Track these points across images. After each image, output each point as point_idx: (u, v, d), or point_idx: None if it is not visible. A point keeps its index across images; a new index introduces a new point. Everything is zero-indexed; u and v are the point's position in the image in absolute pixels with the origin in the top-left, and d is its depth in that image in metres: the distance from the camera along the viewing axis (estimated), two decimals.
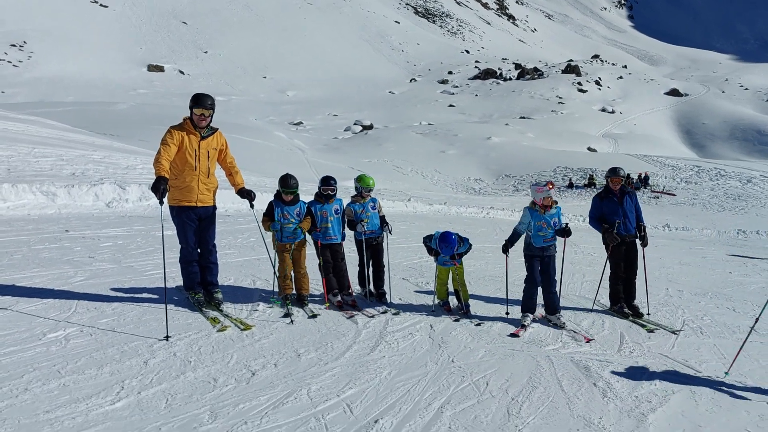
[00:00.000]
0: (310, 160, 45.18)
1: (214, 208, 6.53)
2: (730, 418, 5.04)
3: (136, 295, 6.70)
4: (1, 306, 5.85)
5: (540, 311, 7.57)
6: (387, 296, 7.71)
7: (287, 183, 6.81)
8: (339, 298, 7.21)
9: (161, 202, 5.75)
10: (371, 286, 7.71)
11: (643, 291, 8.34)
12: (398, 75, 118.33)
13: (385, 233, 7.60)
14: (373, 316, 6.91)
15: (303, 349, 5.60)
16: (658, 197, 40.81)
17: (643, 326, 7.55)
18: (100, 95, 65.82)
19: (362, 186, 7.55)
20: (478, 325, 7.09)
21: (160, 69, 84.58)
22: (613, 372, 5.82)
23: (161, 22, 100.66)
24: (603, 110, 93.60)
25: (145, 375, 4.62)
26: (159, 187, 5.66)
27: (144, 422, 3.90)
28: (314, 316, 6.68)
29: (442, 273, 7.52)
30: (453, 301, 7.66)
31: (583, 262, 13.04)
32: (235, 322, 6.17)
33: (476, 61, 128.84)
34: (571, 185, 46.26)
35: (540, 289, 7.36)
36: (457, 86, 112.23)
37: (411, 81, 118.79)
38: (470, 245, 7.58)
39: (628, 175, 41.34)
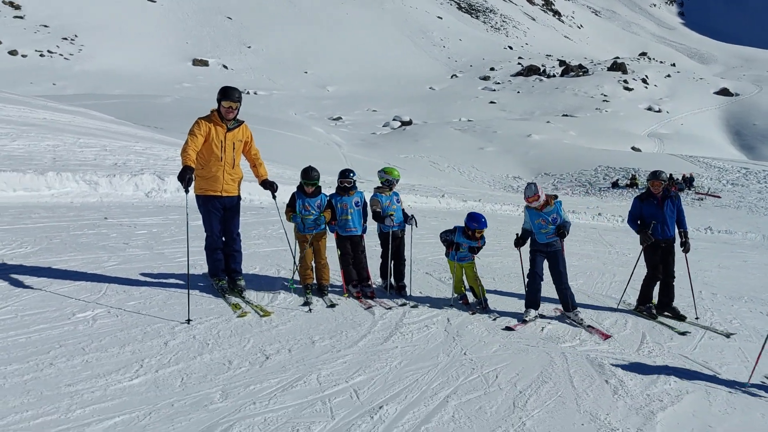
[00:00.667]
0: (347, 155, 45.47)
1: (239, 198, 6.73)
2: (743, 420, 5.00)
3: (164, 281, 6.95)
4: (36, 287, 6.15)
5: (559, 307, 7.58)
6: (407, 289, 7.81)
7: (309, 175, 6.96)
8: (358, 289, 7.33)
9: (186, 191, 5.97)
10: (392, 279, 7.81)
11: (685, 294, 8.32)
12: (439, 71, 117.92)
13: (410, 226, 7.68)
14: (390, 308, 7.02)
15: (318, 337, 5.75)
16: (702, 199, 39.83)
17: (672, 328, 7.48)
18: (146, 88, 67.43)
19: (390, 177, 7.62)
20: (495, 319, 7.15)
21: (205, 63, 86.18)
22: (628, 370, 5.82)
23: (207, 17, 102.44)
24: (649, 109, 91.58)
25: (164, 355, 4.84)
26: (185, 177, 5.88)
27: (158, 398, 4.10)
28: (333, 305, 6.83)
29: (456, 269, 7.58)
30: (471, 296, 7.70)
31: (616, 262, 12.91)
32: (255, 308, 6.36)
33: (519, 58, 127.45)
34: (615, 185, 45.45)
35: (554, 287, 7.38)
36: (498, 83, 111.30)
37: (452, 77, 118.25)
38: (484, 242, 7.60)
39: (671, 175, 40.42)
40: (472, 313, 7.23)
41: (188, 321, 5.66)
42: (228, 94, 6.44)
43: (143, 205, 13.62)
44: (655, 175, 7.97)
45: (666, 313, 8.22)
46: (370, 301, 7.20)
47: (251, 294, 6.85)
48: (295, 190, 7.17)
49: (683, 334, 7.29)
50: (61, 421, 3.62)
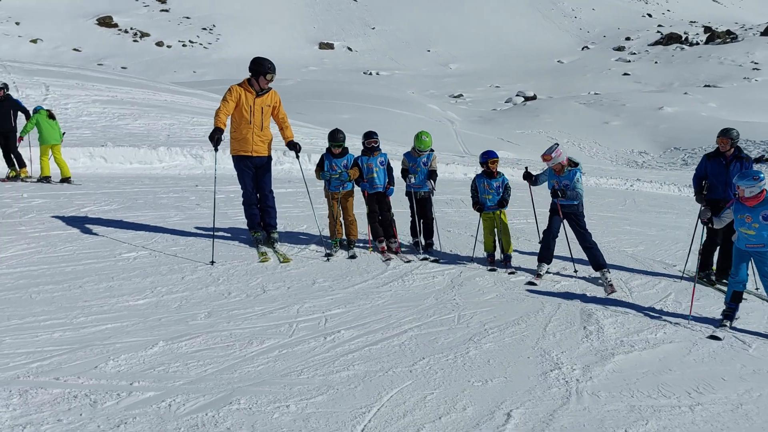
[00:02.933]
0: (459, 131, 45.53)
1: (269, 158, 7.49)
2: (714, 369, 5.00)
3: (212, 233, 7.90)
4: (101, 234, 7.32)
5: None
6: (436, 246, 8.21)
7: (335, 137, 7.57)
8: (384, 244, 7.86)
9: (216, 149, 6.82)
10: (421, 237, 8.25)
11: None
12: (569, 43, 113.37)
13: (433, 187, 8.05)
14: (409, 261, 7.50)
15: (321, 279, 6.39)
16: None
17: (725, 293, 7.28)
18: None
19: (417, 145, 8.03)
20: (512, 273, 7.39)
21: (330, 46, 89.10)
22: (617, 321, 5.92)
23: (333, 1, 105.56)
24: None
25: (176, 285, 5.71)
26: (214, 137, 6.73)
27: (152, 314, 4.94)
28: (353, 257, 7.44)
29: (486, 222, 7.84)
30: (498, 252, 7.93)
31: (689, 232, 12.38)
32: (278, 255, 7.12)
33: (659, 26, 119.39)
34: (759, 160, 41.65)
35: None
36: (634, 53, 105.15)
37: (583, 49, 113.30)
38: (508, 186, 7.74)
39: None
40: (490, 269, 7.51)
41: (212, 262, 6.52)
42: (272, 68, 7.14)
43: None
44: (723, 132, 7.72)
45: (725, 280, 7.96)
46: (392, 254, 7.71)
47: (284, 246, 7.61)
48: (324, 152, 7.80)
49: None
50: (65, 324, 4.54)
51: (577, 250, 7.60)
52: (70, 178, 11.92)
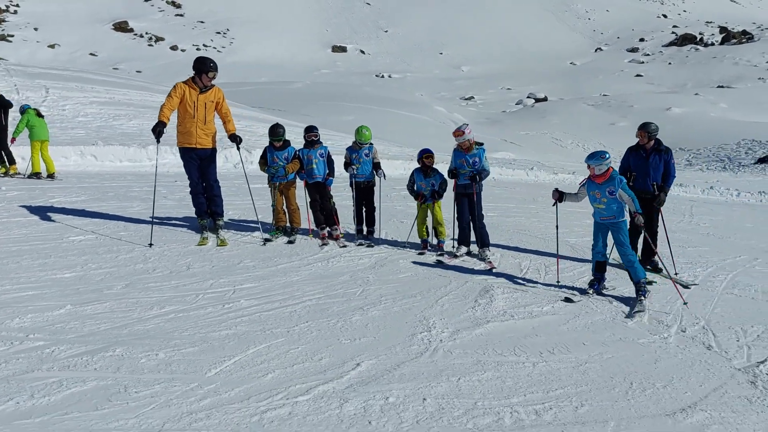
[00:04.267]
0: None
1: (213, 150, 8.09)
2: (583, 336, 5.48)
3: (164, 220, 8.53)
4: (58, 220, 7.97)
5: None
6: (376, 233, 8.76)
7: (275, 132, 8.17)
8: (325, 231, 8.42)
9: (158, 141, 7.45)
10: (364, 225, 8.80)
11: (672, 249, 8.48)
12: (582, 45, 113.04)
13: (378, 178, 8.59)
14: (344, 246, 8.05)
15: (249, 260, 6.98)
16: None
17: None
18: (287, 76, 72.12)
19: (357, 138, 8.58)
20: (441, 255, 7.91)
21: (343, 49, 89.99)
22: (513, 296, 6.40)
23: (346, 4, 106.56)
24: None
25: (106, 263, 6.34)
26: (156, 129, 7.35)
27: (73, 285, 5.56)
28: (291, 242, 8.02)
29: (419, 211, 8.37)
30: (435, 239, 8.45)
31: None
32: (218, 240, 7.71)
33: (674, 27, 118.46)
34: (764, 160, 41.40)
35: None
36: (648, 54, 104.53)
37: (596, 51, 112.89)
38: (445, 180, 8.26)
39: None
40: (419, 253, 8.05)
41: (150, 245, 7.14)
42: (213, 66, 7.77)
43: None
44: (641, 126, 8.19)
45: (648, 266, 8.41)
46: (330, 240, 8.27)
47: (228, 232, 8.21)
48: (267, 145, 8.40)
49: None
50: None
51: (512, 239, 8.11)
52: (54, 174, 12.64)
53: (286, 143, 8.32)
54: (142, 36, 79.44)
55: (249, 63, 77.75)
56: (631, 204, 6.52)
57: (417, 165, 8.52)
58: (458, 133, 7.73)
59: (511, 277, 7.21)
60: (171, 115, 7.71)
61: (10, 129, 12.93)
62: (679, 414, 4.20)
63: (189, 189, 8.22)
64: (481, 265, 7.66)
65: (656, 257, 8.29)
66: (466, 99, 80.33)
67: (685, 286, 7.61)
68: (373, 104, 47.86)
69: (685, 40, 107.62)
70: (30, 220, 7.89)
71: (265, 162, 8.35)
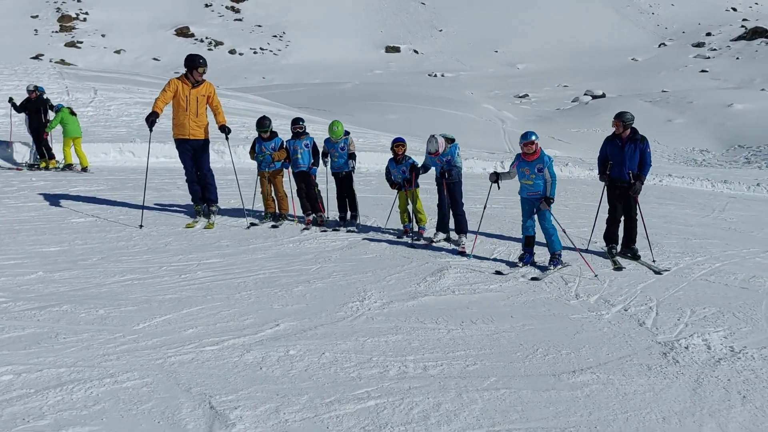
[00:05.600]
0: (508, 130, 45.69)
1: (206, 141, 8.72)
2: (517, 310, 5.78)
3: (158, 205, 9.22)
4: (65, 206, 8.77)
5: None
6: (357, 218, 9.20)
7: (261, 124, 8.76)
8: (310, 217, 8.93)
9: (150, 129, 8.14)
10: (348, 211, 9.26)
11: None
12: (645, 40, 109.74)
13: (352, 167, 9.02)
14: (324, 231, 8.54)
15: (226, 241, 7.56)
16: None
17: (614, 263, 7.90)
18: (340, 77, 73.28)
19: (329, 134, 9.00)
20: (417, 240, 8.28)
21: (396, 50, 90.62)
22: (464, 276, 6.73)
23: (401, 5, 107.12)
24: None
25: (93, 240, 7.04)
26: (149, 119, 8.05)
27: (54, 257, 6.25)
28: (275, 226, 8.57)
29: (400, 198, 8.75)
30: (416, 225, 8.81)
31: (684, 221, 12.67)
32: (206, 224, 8.34)
33: (744, 20, 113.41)
34: None
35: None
36: (714, 49, 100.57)
37: (659, 46, 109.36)
38: (413, 165, 8.56)
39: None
40: (398, 237, 8.44)
41: (140, 226, 7.82)
42: (203, 62, 8.41)
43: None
44: (617, 116, 8.34)
45: (628, 253, 8.55)
46: (313, 225, 8.78)
47: (221, 218, 8.83)
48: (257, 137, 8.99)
49: (618, 269, 7.68)
50: None
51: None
52: (87, 167, 13.65)
53: (273, 134, 8.87)
54: (202, 41, 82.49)
55: (304, 65, 79.39)
56: (549, 185, 7.03)
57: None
58: (435, 153, 8.09)
59: (477, 260, 7.50)
60: (164, 107, 8.35)
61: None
62: (565, 374, 4.48)
63: (185, 177, 8.88)
64: (443, 251, 7.97)
65: (635, 246, 8.40)
66: (520, 97, 79.41)
67: (657, 272, 7.72)
68: (418, 103, 48.19)
69: (755, 33, 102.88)
70: (42, 204, 8.73)
71: (254, 151, 8.93)
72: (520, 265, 7.28)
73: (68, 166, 13.59)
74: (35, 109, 13.85)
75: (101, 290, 5.35)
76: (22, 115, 13.99)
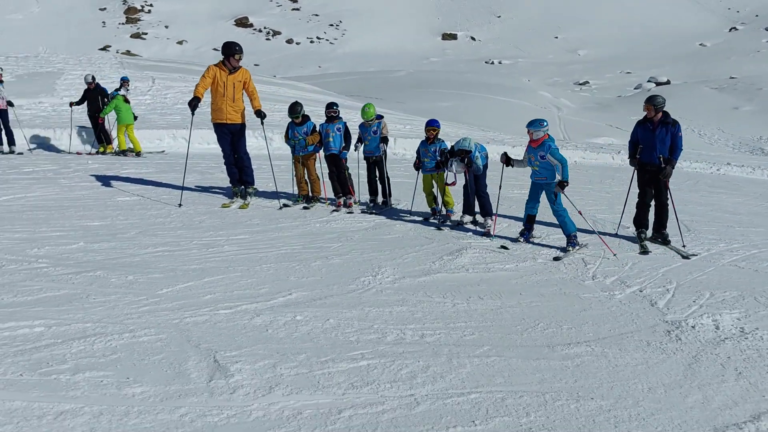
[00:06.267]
0: (564, 117, 44.89)
1: (242, 125, 9.13)
2: (510, 287, 5.93)
3: (202, 187, 9.71)
4: (115, 186, 9.36)
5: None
6: (389, 201, 9.45)
7: (293, 110, 9.11)
8: (340, 199, 9.26)
9: (192, 113, 8.61)
10: (380, 196, 9.53)
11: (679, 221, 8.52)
12: (714, 24, 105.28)
13: (384, 150, 9.27)
14: (351, 212, 8.85)
15: (258, 220, 7.95)
16: None
17: (643, 247, 7.91)
18: (396, 64, 73.47)
19: (362, 116, 9.27)
20: (444, 222, 8.47)
21: (453, 37, 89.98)
22: (480, 256, 6.91)
23: None
24: None
25: (133, 217, 7.55)
26: (192, 103, 8.51)
27: (98, 231, 6.77)
28: (306, 208, 8.93)
29: (425, 183, 8.96)
30: (444, 209, 9.00)
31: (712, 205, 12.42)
32: (242, 203, 8.77)
33: None
34: None
35: None
36: None
37: (730, 30, 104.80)
38: (445, 150, 8.70)
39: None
40: (424, 219, 8.67)
41: (179, 205, 8.32)
42: (237, 49, 8.82)
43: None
44: (648, 99, 8.31)
45: (659, 238, 8.54)
46: (343, 207, 9.10)
47: (257, 199, 9.25)
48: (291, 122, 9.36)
49: (644, 253, 7.72)
50: (30, 232, 6.49)
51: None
52: (140, 152, 14.38)
53: (305, 118, 9.21)
54: (260, 31, 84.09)
55: (360, 53, 79.91)
56: (561, 169, 7.15)
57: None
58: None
59: (500, 241, 7.65)
60: (204, 92, 8.80)
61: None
62: (560, 346, 4.64)
63: (223, 160, 9.34)
64: (468, 232, 8.14)
65: (665, 231, 8.35)
66: (580, 84, 77.65)
67: (685, 257, 7.69)
68: (473, 90, 47.93)
69: None
70: (93, 184, 9.36)
71: (287, 136, 9.30)
72: (521, 240, 7.70)
73: (122, 152, 14.34)
74: (93, 97, 14.67)
75: (134, 260, 5.80)
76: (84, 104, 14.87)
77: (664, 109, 8.30)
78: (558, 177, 7.27)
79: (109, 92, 15.28)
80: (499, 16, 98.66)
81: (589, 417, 3.67)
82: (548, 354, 4.50)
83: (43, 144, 14.18)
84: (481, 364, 4.23)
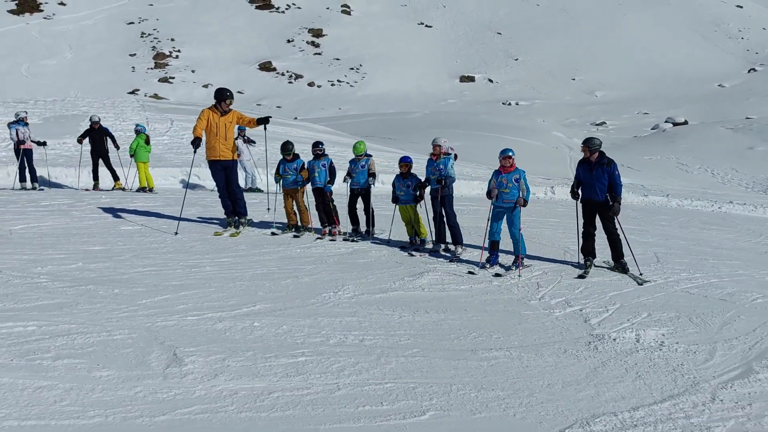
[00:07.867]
0: (574, 157, 45.44)
1: (234, 161, 10.02)
2: (468, 302, 6.59)
3: (201, 218, 10.57)
4: (122, 216, 10.26)
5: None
6: (372, 232, 10.19)
7: (285, 148, 10.01)
8: (325, 228, 10.04)
9: (195, 151, 9.54)
10: (363, 225, 10.29)
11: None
12: (733, 66, 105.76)
13: (370, 184, 10.07)
14: (334, 240, 9.61)
15: (245, 246, 8.74)
16: None
17: (584, 272, 8.51)
18: (414, 106, 75.00)
19: (353, 151, 10.15)
20: (414, 251, 9.18)
21: (471, 79, 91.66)
22: (439, 278, 7.58)
23: (477, 36, 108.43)
24: None
25: (131, 243, 8.38)
26: (195, 143, 9.49)
27: (96, 254, 7.60)
28: (296, 236, 9.73)
29: (402, 213, 9.71)
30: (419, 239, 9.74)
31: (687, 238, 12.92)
32: (232, 232, 9.60)
33: None
34: None
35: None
36: None
37: (749, 71, 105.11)
38: (419, 181, 9.51)
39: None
40: (401, 248, 9.39)
41: (175, 233, 9.16)
42: (231, 95, 9.79)
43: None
44: (585, 141, 9.00)
45: (618, 267, 9.06)
46: (328, 236, 9.87)
47: (250, 230, 10.06)
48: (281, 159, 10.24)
49: (581, 277, 8.32)
50: (37, 254, 7.34)
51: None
52: (153, 188, 15.37)
53: (296, 156, 10.08)
54: (283, 74, 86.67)
55: (379, 95, 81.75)
56: (524, 191, 8.26)
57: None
58: (436, 149, 9.18)
59: (466, 266, 8.34)
60: (201, 132, 9.73)
61: (111, 154, 15.70)
62: (482, 351, 5.29)
63: (218, 194, 10.21)
64: (439, 259, 8.84)
65: (624, 260, 8.91)
66: (596, 125, 78.28)
67: (640, 283, 8.24)
68: (485, 131, 48.85)
69: None
70: (101, 215, 10.26)
71: (278, 172, 10.17)
72: (487, 266, 8.30)
73: (142, 189, 15.28)
74: (99, 138, 15.61)
75: (123, 277, 6.61)
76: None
77: (600, 150, 8.92)
78: (520, 196, 8.27)
79: (110, 132, 16.12)
80: (516, 59, 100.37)
81: (483, 403, 4.32)
82: (469, 356, 5.15)
83: (61, 180, 15.29)
84: (406, 362, 4.90)
